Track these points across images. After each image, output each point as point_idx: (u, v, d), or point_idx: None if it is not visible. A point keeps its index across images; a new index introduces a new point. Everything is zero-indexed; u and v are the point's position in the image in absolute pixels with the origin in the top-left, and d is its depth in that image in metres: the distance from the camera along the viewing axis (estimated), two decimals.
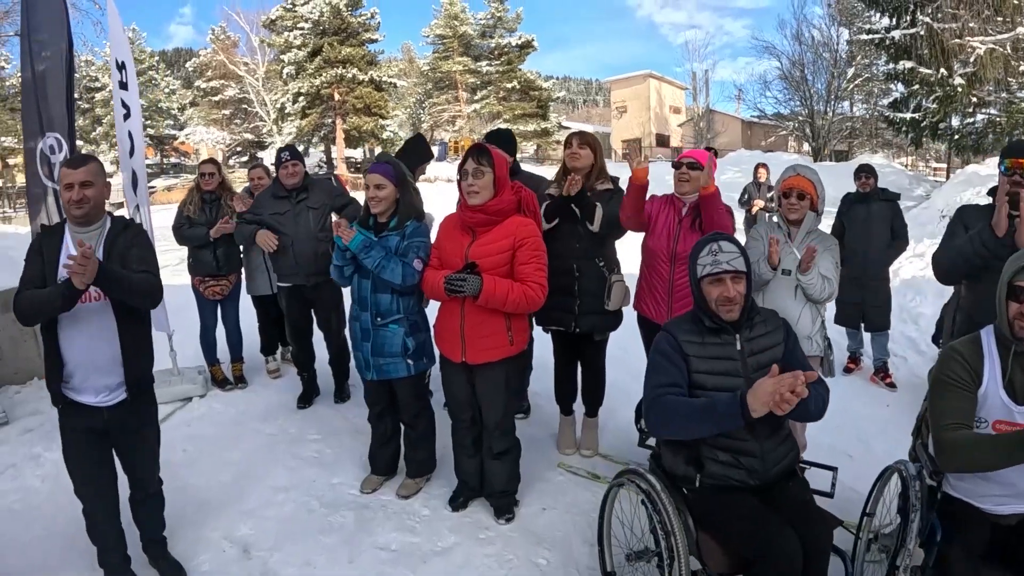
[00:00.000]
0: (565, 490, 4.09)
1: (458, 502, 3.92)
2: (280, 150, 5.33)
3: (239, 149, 46.48)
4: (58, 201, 5.50)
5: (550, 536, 3.64)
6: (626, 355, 4.75)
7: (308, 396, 5.66)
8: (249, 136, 47.48)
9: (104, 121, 46.11)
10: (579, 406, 4.63)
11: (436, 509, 3.92)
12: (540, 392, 5.13)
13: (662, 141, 46.75)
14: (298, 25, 42.77)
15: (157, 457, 3.44)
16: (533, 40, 45.26)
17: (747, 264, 2.69)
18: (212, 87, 47.02)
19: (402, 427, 4.15)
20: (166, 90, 48.08)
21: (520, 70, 45.47)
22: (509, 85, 44.75)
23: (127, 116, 5.93)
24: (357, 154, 47.07)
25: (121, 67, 6.08)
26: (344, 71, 41.15)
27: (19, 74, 37.79)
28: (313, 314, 5.55)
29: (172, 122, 47.42)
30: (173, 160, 49.01)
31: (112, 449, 3.25)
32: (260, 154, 43.71)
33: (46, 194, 5.72)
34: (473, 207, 3.41)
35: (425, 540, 3.66)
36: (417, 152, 5.60)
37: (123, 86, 6.01)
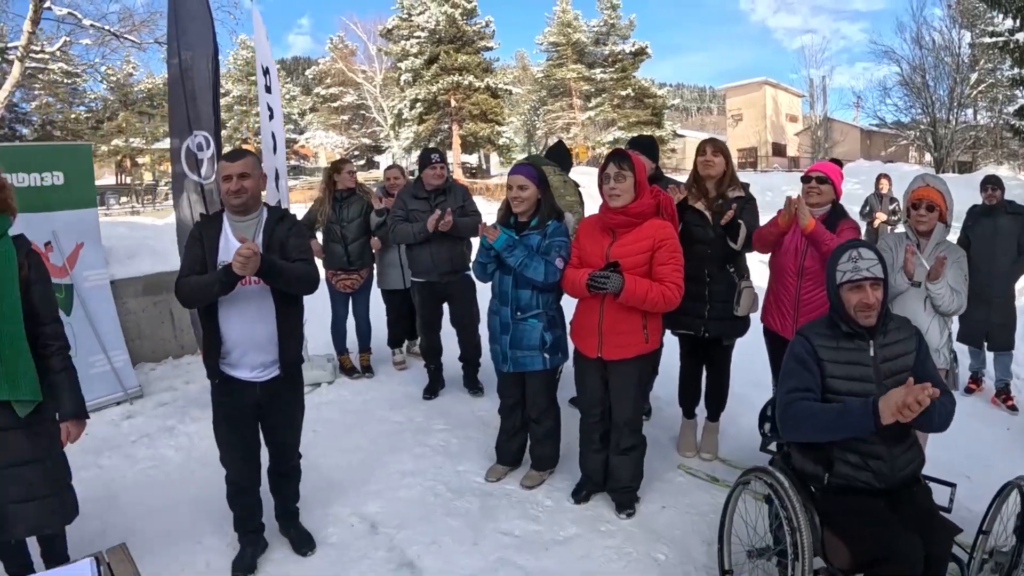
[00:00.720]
0: (684, 491, 4.16)
1: (581, 495, 4.04)
2: (430, 151, 5.55)
3: (356, 153, 47.77)
4: (204, 193, 5.93)
5: (669, 534, 3.72)
6: (748, 364, 4.79)
7: (434, 388, 5.89)
8: (366, 141, 48.81)
9: (227, 125, 48.27)
10: (700, 410, 4.71)
11: (559, 501, 4.05)
12: (661, 396, 5.24)
13: (778, 150, 45.60)
14: (414, 34, 43.51)
15: (300, 432, 3.70)
16: (647, 47, 44.75)
17: (885, 271, 2.76)
18: (331, 93, 48.47)
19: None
20: (287, 96, 50.04)
21: (634, 77, 44.99)
22: (623, 92, 44.32)
23: (271, 117, 6.34)
24: (472, 159, 47.71)
25: (266, 72, 6.50)
26: (460, 78, 41.63)
27: (146, 80, 39.88)
28: (447, 309, 5.75)
29: (293, 126, 49.12)
30: (293, 162, 50.94)
31: (259, 422, 3.50)
32: (377, 158, 44.71)
33: (189, 188, 6.14)
34: (614, 209, 3.57)
35: (547, 529, 3.79)
36: (557, 157, 5.81)
37: (268, 90, 6.42)
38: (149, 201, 36.70)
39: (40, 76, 26.72)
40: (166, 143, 43.89)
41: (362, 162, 47.08)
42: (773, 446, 3.21)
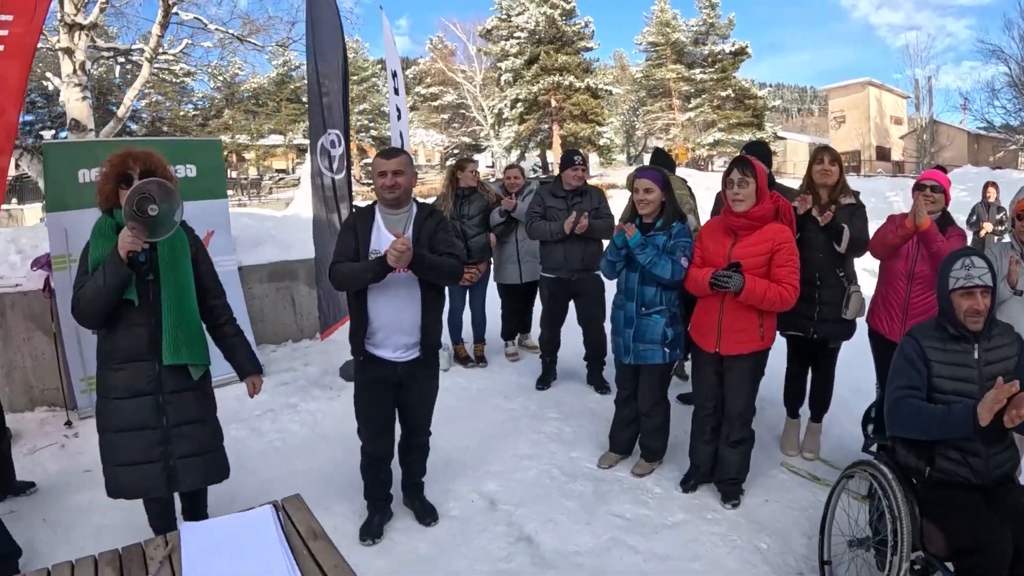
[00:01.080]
0: (786, 487, 4.33)
1: (689, 484, 4.26)
2: (572, 153, 5.76)
3: (456, 151, 48.24)
4: (335, 187, 6.37)
5: (771, 525, 3.89)
6: (850, 371, 4.92)
7: (547, 379, 6.14)
8: (466, 139, 49.07)
9: None
10: (803, 411, 4.85)
11: (667, 489, 4.28)
12: (764, 396, 5.35)
13: (882, 154, 44.11)
14: (514, 34, 43.46)
15: (432, 410, 4.01)
16: (747, 47, 43.67)
17: (994, 279, 2.92)
18: (431, 93, 48.84)
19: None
20: (387, 95, 50.98)
21: (734, 78, 43.99)
22: (723, 93, 43.39)
23: (399, 117, 6.71)
24: None
25: (394, 75, 6.89)
26: (561, 78, 41.51)
27: (252, 80, 41.02)
28: (574, 305, 5.95)
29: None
30: None
31: (396, 399, 3.83)
32: (476, 156, 45.20)
33: (323, 182, 6.53)
34: (737, 213, 3.80)
35: (656, 514, 4.01)
36: (661, 163, 6.01)
37: (396, 91, 6.80)
38: (254, 194, 38.25)
39: (162, 76, 28.00)
40: (271, 139, 45.53)
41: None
42: (875, 447, 3.36)
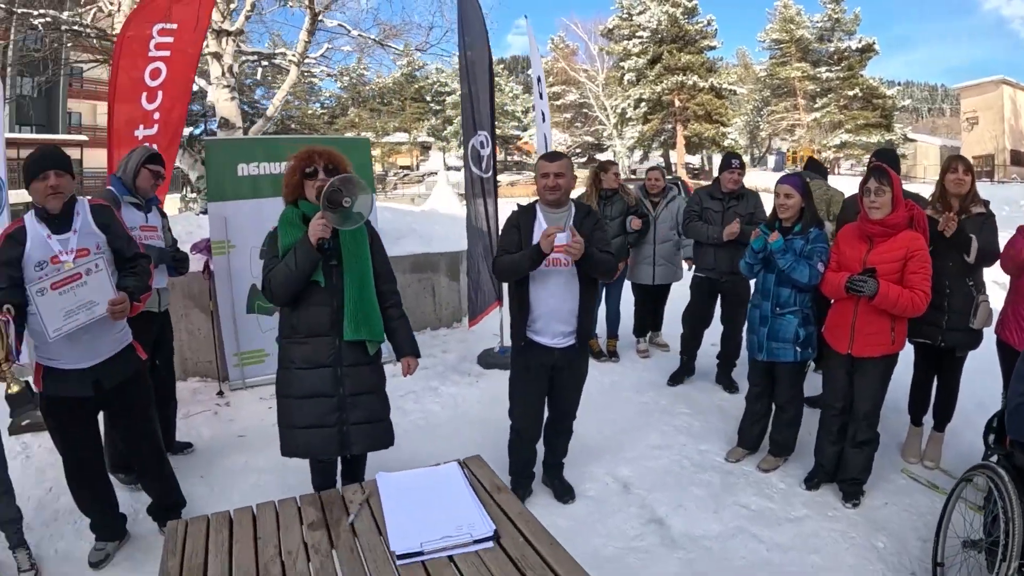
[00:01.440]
0: (905, 492, 4.43)
1: (812, 482, 4.44)
2: (731, 156, 5.90)
3: (578, 151, 48.32)
4: (484, 186, 6.79)
5: (888, 526, 4.03)
6: (974, 380, 4.92)
7: (680, 376, 6.33)
8: (589, 139, 49.20)
9: (455, 121, 50.01)
10: (927, 419, 4.92)
11: (791, 485, 4.48)
12: (888, 403, 5.26)
13: (1017, 159, 41.64)
14: (636, 34, 43.10)
15: (580, 395, 4.32)
16: (874, 43, 42.31)
17: None
18: (553, 92, 48.79)
19: (773, 408, 4.71)
20: (510, 94, 51.39)
21: (861, 76, 42.74)
22: (850, 92, 42.19)
23: (543, 119, 7.09)
24: (695, 160, 47.00)
25: (538, 80, 7.25)
26: (684, 78, 41.22)
27: (377, 79, 41.92)
28: (719, 306, 6.13)
29: (516, 123, 50.36)
30: (515, 158, 52.32)
31: (548, 383, 4.16)
32: (598, 156, 44.86)
33: (474, 181, 6.93)
34: (873, 220, 3.99)
35: (780, 508, 4.23)
36: (814, 170, 6.23)
37: (540, 96, 7.17)
38: (380, 190, 39.56)
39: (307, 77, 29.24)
40: (395, 137, 46.54)
41: (583, 160, 47.67)
42: (995, 458, 3.43)
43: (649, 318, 7.25)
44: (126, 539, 4.14)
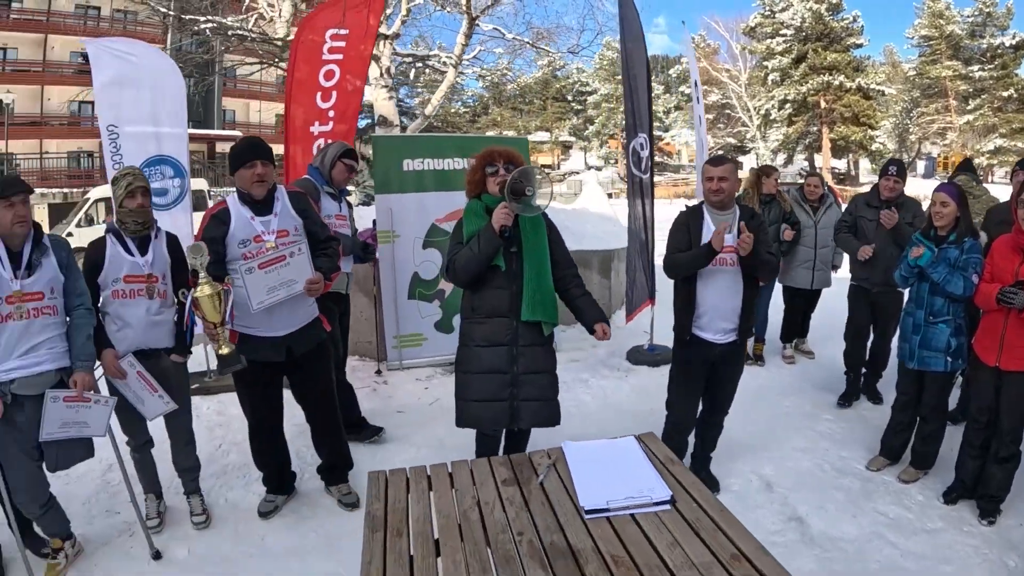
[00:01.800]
0: None
1: (950, 496, 4.46)
2: (890, 162, 5.73)
3: (720, 152, 47.43)
4: (642, 187, 7.07)
5: (1021, 547, 4.02)
6: None
7: (849, 397, 6.12)
8: (732, 140, 48.13)
9: (596, 121, 49.77)
10: None
11: (929, 498, 4.53)
12: None
13: None
14: (779, 32, 41.78)
15: (735, 390, 4.57)
16: None
17: None
18: None
19: (917, 420, 4.75)
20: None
21: (1016, 75, 40.09)
22: (1005, 93, 39.64)
23: (700, 123, 7.49)
24: (841, 165, 45.30)
25: (695, 84, 7.53)
26: (830, 78, 39.81)
27: (519, 79, 41.96)
28: (874, 317, 6.02)
29: (658, 124, 49.79)
30: (656, 159, 51.61)
31: (708, 376, 4.43)
32: (740, 158, 43.92)
33: (635, 182, 7.18)
34: None
35: (916, 518, 4.32)
36: (968, 170, 6.20)
37: (697, 100, 7.43)
38: None
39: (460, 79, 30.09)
40: (536, 136, 46.62)
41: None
42: None
43: (798, 324, 7.30)
44: (292, 494, 4.64)
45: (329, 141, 6.13)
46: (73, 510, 4.20)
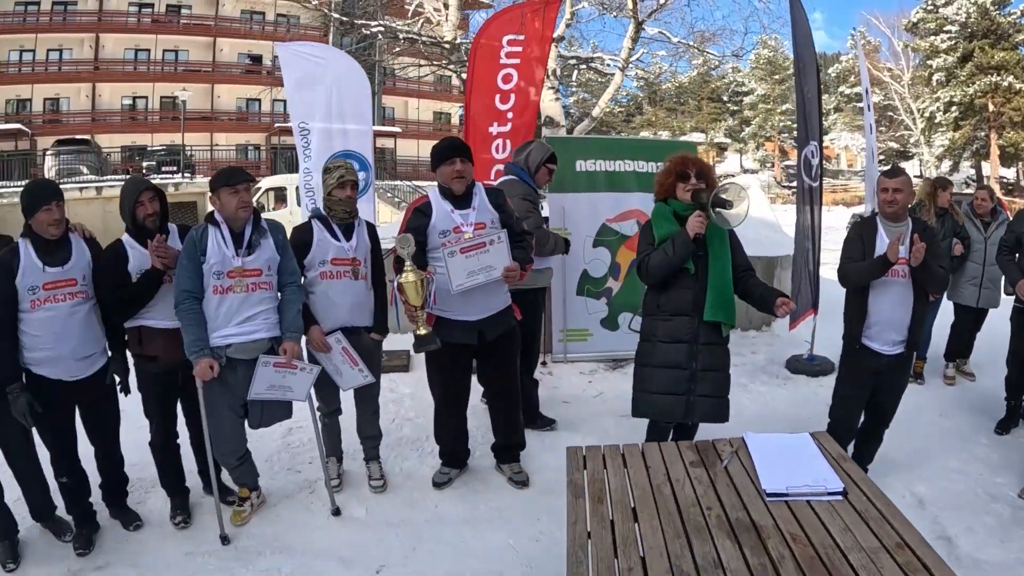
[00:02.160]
0: None
1: None
2: None
3: (882, 158, 45.41)
4: (811, 194, 7.13)
5: None
6: None
7: (1007, 424, 5.88)
8: (893, 145, 45.37)
9: (752, 122, 48.72)
10: None
11: None
12: None
13: None
14: (943, 28, 39.20)
15: (899, 403, 4.71)
16: None
17: None
18: (855, 93, 46.02)
19: None
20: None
21: None
22: None
23: (871, 132, 7.70)
24: (1010, 174, 42.37)
25: (865, 92, 8.17)
26: (999, 79, 36.83)
27: (673, 79, 40.97)
28: None
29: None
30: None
31: (872, 388, 4.57)
32: (903, 164, 41.56)
33: (804, 190, 7.24)
34: None
35: None
36: None
37: (869, 108, 7.61)
38: None
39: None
40: (692, 136, 45.89)
41: (886, 167, 44.22)
42: None
43: (962, 342, 7.13)
44: (465, 469, 5.05)
45: (523, 142, 6.35)
46: (257, 466, 4.73)
